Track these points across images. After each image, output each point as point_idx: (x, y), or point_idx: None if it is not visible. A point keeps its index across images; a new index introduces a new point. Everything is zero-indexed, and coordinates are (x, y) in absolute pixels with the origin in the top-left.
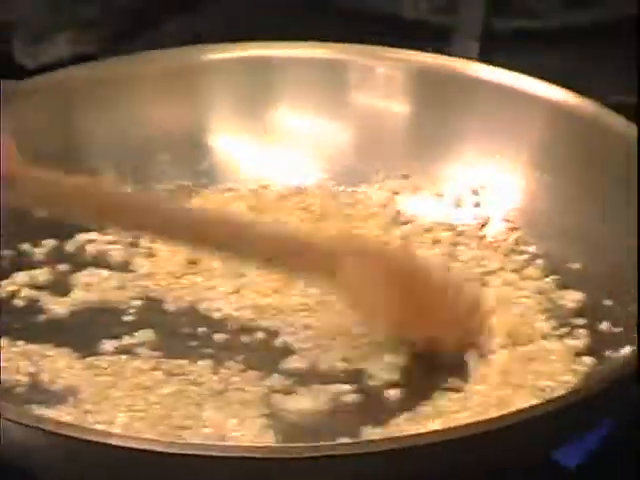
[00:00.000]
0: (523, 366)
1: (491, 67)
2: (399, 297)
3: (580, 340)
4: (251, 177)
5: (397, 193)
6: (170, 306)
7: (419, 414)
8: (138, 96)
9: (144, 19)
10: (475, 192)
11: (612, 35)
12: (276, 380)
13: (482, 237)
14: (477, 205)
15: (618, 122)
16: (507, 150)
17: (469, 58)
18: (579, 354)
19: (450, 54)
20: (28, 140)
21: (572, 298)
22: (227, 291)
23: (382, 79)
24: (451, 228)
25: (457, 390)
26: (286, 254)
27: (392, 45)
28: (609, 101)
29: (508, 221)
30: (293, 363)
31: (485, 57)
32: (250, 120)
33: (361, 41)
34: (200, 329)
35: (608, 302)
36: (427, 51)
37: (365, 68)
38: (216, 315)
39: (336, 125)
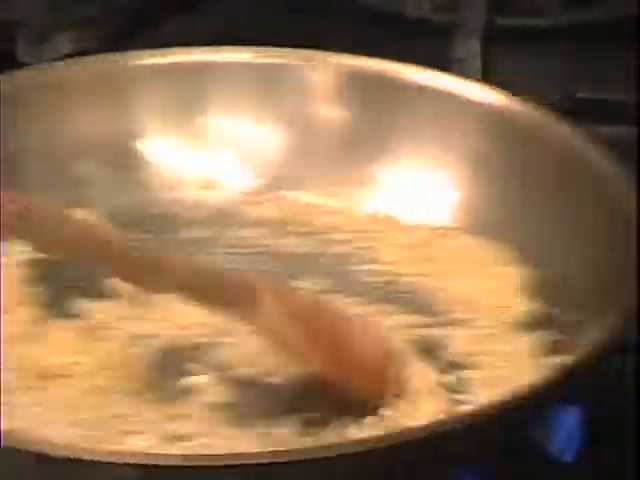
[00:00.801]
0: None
1: (424, 70)
2: (315, 338)
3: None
4: (184, 183)
5: (330, 198)
6: None
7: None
8: (66, 103)
9: (144, 18)
10: (410, 198)
11: (612, 34)
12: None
13: (421, 243)
14: (413, 211)
15: (551, 124)
16: (441, 155)
17: (476, 62)
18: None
19: (452, 52)
20: None
21: (522, 306)
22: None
23: (314, 83)
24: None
25: None
26: (206, 287)
27: (392, 43)
28: (609, 99)
29: (448, 227)
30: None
31: (487, 55)
32: (181, 126)
33: (361, 39)
34: None
35: (555, 310)
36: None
37: (296, 72)
38: None
39: (271, 130)
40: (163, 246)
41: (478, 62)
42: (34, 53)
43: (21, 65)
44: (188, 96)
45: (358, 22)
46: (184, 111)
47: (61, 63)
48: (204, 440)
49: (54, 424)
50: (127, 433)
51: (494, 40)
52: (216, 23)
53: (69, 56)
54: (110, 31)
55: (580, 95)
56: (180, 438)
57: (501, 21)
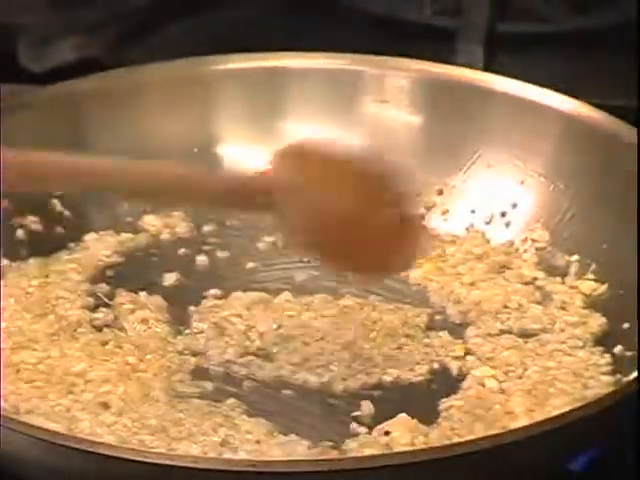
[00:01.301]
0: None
1: (502, 77)
2: (335, 230)
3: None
4: None
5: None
6: None
7: None
8: (147, 107)
9: (147, 24)
10: (490, 207)
11: (613, 40)
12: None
13: (494, 255)
14: (493, 220)
15: (628, 131)
16: (520, 161)
17: (478, 68)
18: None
19: (454, 57)
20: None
21: (594, 320)
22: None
23: (394, 89)
24: (457, 240)
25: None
26: (224, 193)
27: (394, 48)
28: (610, 105)
29: (529, 239)
30: None
31: (488, 61)
32: (260, 130)
33: (363, 44)
34: None
35: (626, 325)
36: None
37: (377, 78)
38: None
39: (348, 136)
40: (241, 250)
41: (480, 67)
42: (36, 57)
43: (23, 69)
44: (268, 101)
45: (359, 25)
46: (264, 116)
47: (144, 67)
48: (254, 447)
49: (105, 428)
50: (178, 439)
51: (496, 46)
52: (217, 27)
53: (71, 61)
54: (113, 36)
55: (581, 100)
56: (231, 445)
57: (503, 27)
